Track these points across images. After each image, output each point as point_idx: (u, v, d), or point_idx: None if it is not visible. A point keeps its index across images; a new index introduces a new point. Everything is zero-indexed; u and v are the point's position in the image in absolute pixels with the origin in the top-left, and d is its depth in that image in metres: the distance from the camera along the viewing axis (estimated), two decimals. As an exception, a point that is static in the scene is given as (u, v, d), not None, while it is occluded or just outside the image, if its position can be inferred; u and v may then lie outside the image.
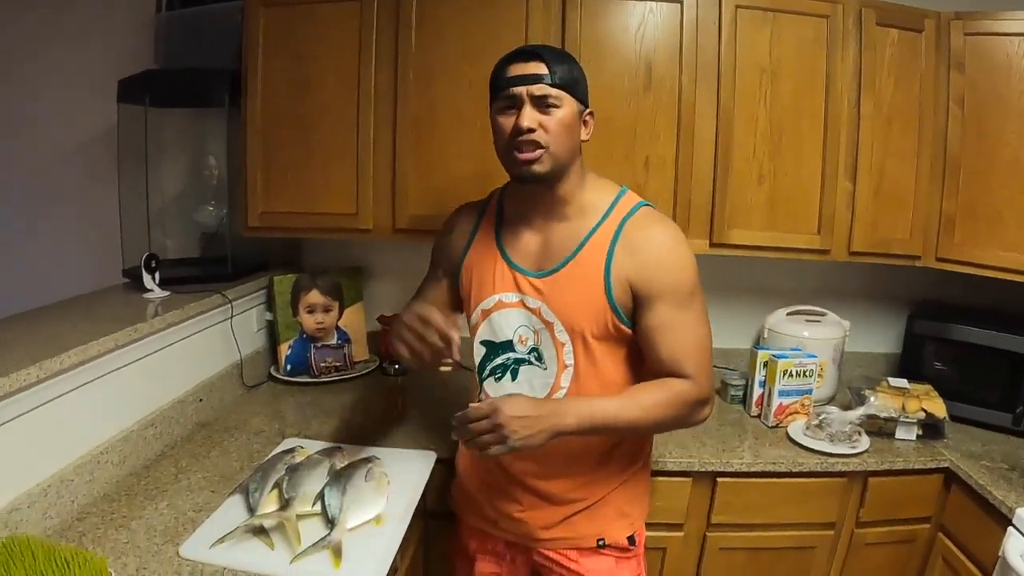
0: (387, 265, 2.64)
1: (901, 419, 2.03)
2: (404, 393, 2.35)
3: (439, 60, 2.09)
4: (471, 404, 1.27)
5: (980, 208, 2.05)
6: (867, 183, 2.12)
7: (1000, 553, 1.64)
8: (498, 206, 1.55)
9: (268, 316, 2.43)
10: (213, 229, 2.44)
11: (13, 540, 1.25)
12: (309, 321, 2.42)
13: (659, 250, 1.37)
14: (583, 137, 1.40)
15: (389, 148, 2.14)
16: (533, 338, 1.42)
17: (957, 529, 1.91)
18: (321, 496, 1.50)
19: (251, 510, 1.47)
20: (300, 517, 1.44)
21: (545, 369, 1.43)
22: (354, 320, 2.53)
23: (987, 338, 2.16)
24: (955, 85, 2.06)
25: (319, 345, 2.44)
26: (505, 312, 1.45)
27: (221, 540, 1.36)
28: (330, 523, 1.43)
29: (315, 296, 2.43)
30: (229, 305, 2.13)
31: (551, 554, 1.53)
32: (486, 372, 1.49)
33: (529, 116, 1.31)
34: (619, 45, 2.06)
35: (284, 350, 2.39)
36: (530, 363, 1.44)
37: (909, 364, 2.36)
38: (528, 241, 1.45)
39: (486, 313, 1.47)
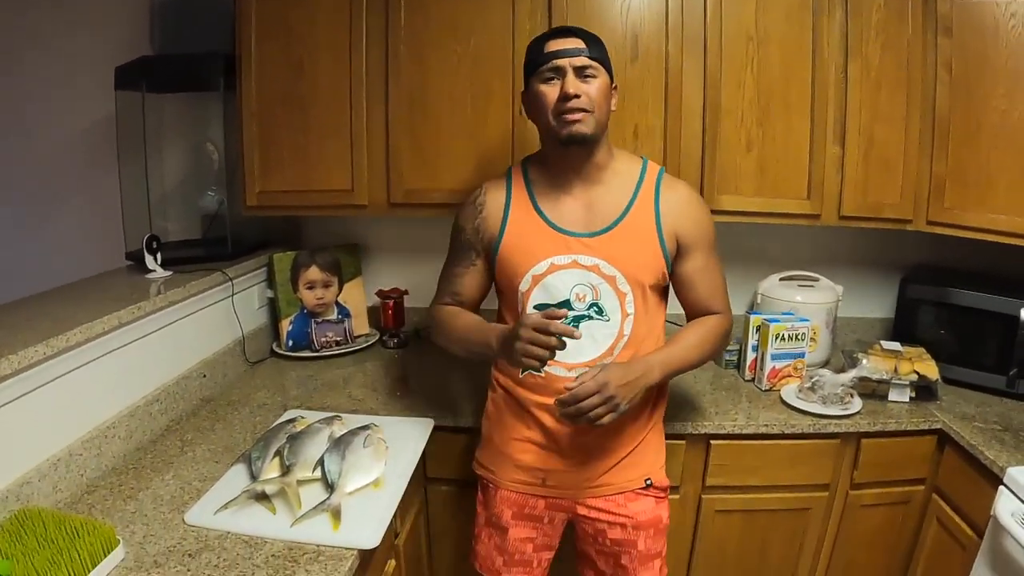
0: (384, 240, 2.68)
1: (893, 381, 2.05)
2: (403, 365, 2.39)
3: (429, 38, 2.11)
4: (566, 387, 1.39)
5: (970, 171, 2.05)
6: (856, 148, 2.13)
7: (992, 512, 1.66)
8: (524, 178, 1.61)
9: (269, 293, 2.47)
10: (214, 211, 2.48)
11: (25, 512, 1.31)
12: (309, 297, 2.47)
13: (694, 206, 1.59)
14: (612, 108, 1.53)
15: (382, 125, 2.17)
16: (591, 293, 1.51)
17: (951, 490, 1.93)
18: (321, 462, 1.55)
19: (254, 477, 1.52)
20: (301, 483, 1.49)
21: (608, 320, 1.52)
22: (353, 295, 2.58)
23: (980, 301, 2.17)
24: (943, 49, 2.06)
25: (319, 320, 2.48)
26: (560, 274, 1.51)
27: (225, 506, 1.41)
28: (330, 488, 1.48)
29: (314, 272, 2.47)
30: (230, 283, 2.18)
31: (598, 503, 1.60)
32: None
33: (574, 84, 1.43)
34: (605, 18, 2.07)
35: (285, 326, 2.44)
36: (590, 318, 1.52)
37: (903, 328, 2.37)
38: (570, 205, 1.54)
39: (537, 279, 1.53)
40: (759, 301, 2.42)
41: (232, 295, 2.21)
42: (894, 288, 2.50)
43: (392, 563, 1.60)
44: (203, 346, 2.10)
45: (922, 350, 2.13)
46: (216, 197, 2.45)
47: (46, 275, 2.06)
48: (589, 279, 1.51)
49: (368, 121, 2.16)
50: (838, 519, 2.05)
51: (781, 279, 2.41)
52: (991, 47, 1.95)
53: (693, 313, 1.66)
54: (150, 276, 2.03)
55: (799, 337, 2.14)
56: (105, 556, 1.23)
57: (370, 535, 1.36)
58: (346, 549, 1.32)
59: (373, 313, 2.64)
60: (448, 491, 2.01)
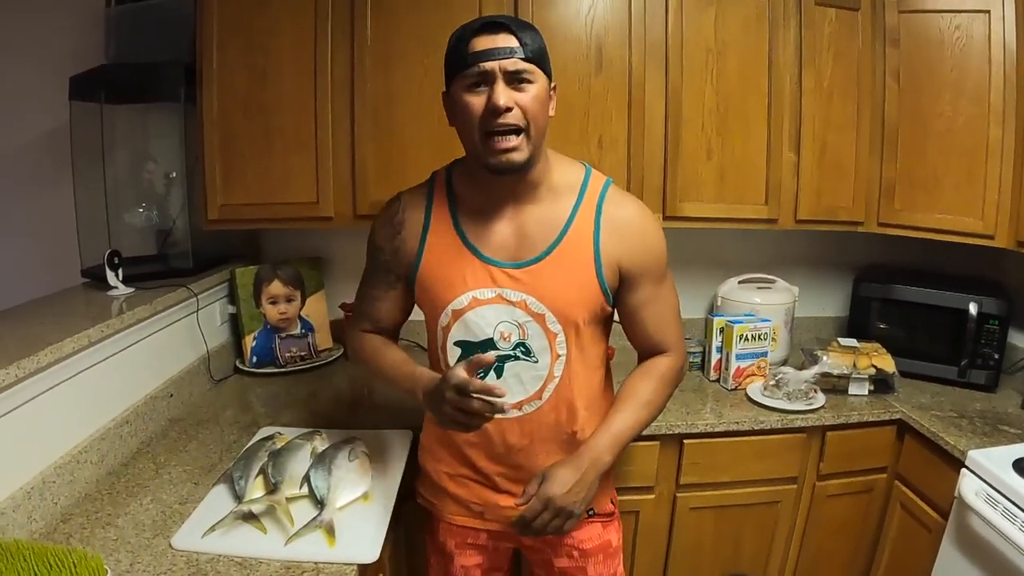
0: (347, 253, 2.64)
1: (853, 376, 2.15)
2: (370, 378, 2.37)
3: (395, 48, 2.10)
4: (517, 504, 1.30)
5: (917, 175, 2.17)
6: (810, 154, 2.23)
7: (956, 494, 1.76)
8: (448, 192, 1.41)
9: (231, 309, 2.42)
10: (167, 226, 2.41)
11: (1, 544, 1.25)
12: (272, 312, 2.42)
13: (642, 229, 1.37)
14: (550, 112, 1.31)
15: (348, 136, 2.14)
16: (517, 332, 1.34)
17: (912, 476, 2.03)
18: (307, 478, 1.53)
19: (238, 497, 1.48)
20: (289, 500, 1.46)
21: (536, 362, 1.35)
22: (317, 309, 2.54)
23: (930, 296, 2.29)
24: (891, 60, 2.18)
25: (283, 335, 2.44)
26: (481, 310, 1.34)
27: (212, 529, 1.37)
28: (319, 504, 1.46)
29: (277, 287, 2.43)
30: (195, 299, 2.12)
31: (544, 538, 1.45)
32: None
33: (505, 94, 1.20)
34: (570, 29, 2.11)
35: (249, 342, 2.39)
36: (516, 358, 1.35)
37: (857, 325, 2.48)
38: (498, 231, 1.35)
39: (458, 313, 1.35)
40: (719, 304, 2.49)
41: (197, 311, 2.15)
42: (847, 287, 2.61)
43: (381, 577, 1.59)
44: (169, 365, 2.04)
45: (878, 345, 2.23)
46: (145, 214, 2.38)
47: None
48: (515, 316, 1.33)
49: (333, 132, 2.14)
50: (807, 510, 2.13)
51: (740, 282, 2.49)
52: (936, 58, 2.07)
53: (640, 347, 1.48)
54: (112, 293, 1.96)
55: (762, 337, 2.22)
56: (95, 587, 1.18)
57: (368, 550, 1.35)
58: (345, 565, 1.30)
59: (336, 327, 2.61)
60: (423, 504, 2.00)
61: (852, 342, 2.27)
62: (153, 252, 2.44)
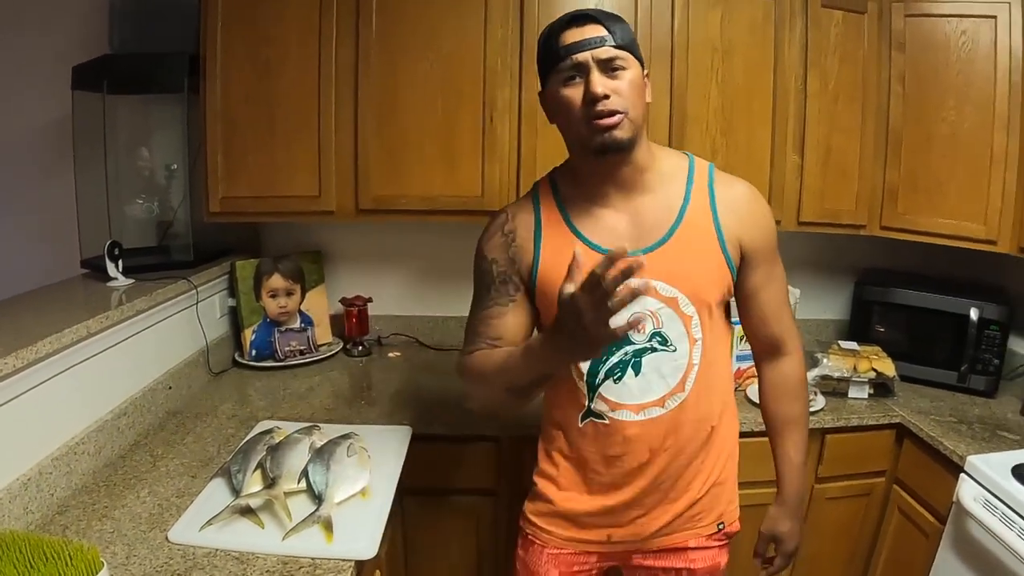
0: (348, 247, 2.65)
1: (853, 379, 2.14)
2: (369, 374, 2.37)
3: (399, 42, 2.10)
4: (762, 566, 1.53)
5: (921, 179, 2.17)
6: (814, 156, 2.23)
7: (954, 499, 1.76)
8: (554, 194, 1.38)
9: (231, 302, 2.41)
10: (167, 218, 2.40)
11: (-3, 536, 1.24)
12: (272, 305, 2.42)
13: (755, 206, 1.36)
14: (648, 99, 1.29)
15: (351, 130, 2.14)
16: (651, 322, 1.29)
17: (911, 480, 2.03)
18: (305, 473, 1.52)
19: (236, 491, 1.48)
20: (287, 494, 1.46)
21: (674, 351, 1.30)
22: (317, 303, 2.54)
23: (931, 301, 2.29)
24: (896, 64, 2.18)
25: (283, 329, 2.44)
26: None
27: (209, 522, 1.37)
28: (317, 499, 1.45)
29: (277, 280, 2.43)
30: (195, 291, 2.12)
31: (659, 554, 1.44)
32: (600, 376, 1.32)
33: (601, 82, 1.19)
34: (577, 26, 2.10)
35: (248, 335, 2.38)
36: (654, 350, 1.30)
37: (858, 329, 2.48)
38: (611, 221, 1.31)
39: None
40: (720, 304, 2.48)
41: (197, 304, 2.14)
42: (848, 290, 2.61)
43: (378, 573, 1.58)
44: (168, 357, 2.03)
45: (878, 349, 2.23)
46: (144, 206, 2.38)
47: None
48: (646, 305, 1.27)
49: (336, 126, 2.14)
50: (805, 512, 2.11)
51: (742, 283, 2.48)
52: (942, 62, 2.07)
53: (760, 336, 1.47)
54: (112, 284, 1.96)
55: (763, 339, 2.21)
56: (91, 579, 1.17)
57: (365, 546, 1.34)
58: (343, 561, 1.30)
59: (335, 321, 2.60)
60: (422, 500, 1.99)
61: (853, 345, 2.26)
62: (154, 244, 2.44)
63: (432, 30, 2.08)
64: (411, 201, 2.16)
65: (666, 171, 1.34)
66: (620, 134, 1.21)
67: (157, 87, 2.21)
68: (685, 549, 1.44)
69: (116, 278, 1.97)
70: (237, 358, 2.41)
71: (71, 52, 2.17)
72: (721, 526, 1.45)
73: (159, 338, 1.98)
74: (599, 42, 1.20)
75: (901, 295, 2.35)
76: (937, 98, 2.10)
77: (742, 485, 2.03)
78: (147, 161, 2.33)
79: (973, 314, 2.15)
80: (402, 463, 1.71)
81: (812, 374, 2.12)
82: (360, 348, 2.54)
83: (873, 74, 2.21)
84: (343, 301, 2.54)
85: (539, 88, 1.34)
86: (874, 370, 2.14)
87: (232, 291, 2.41)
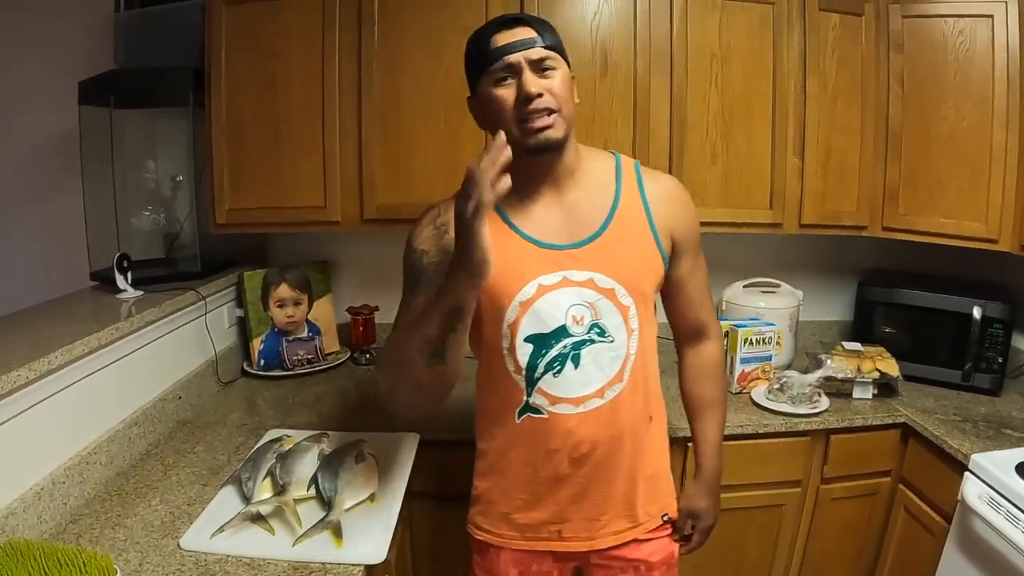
0: (354, 257, 2.67)
1: (857, 379, 2.15)
2: (376, 381, 2.38)
3: (402, 52, 2.12)
4: (675, 540, 1.53)
5: (921, 179, 2.18)
6: (815, 159, 2.24)
7: (959, 497, 1.76)
8: None
9: (239, 312, 2.44)
10: (175, 230, 2.43)
11: (11, 544, 1.26)
12: (280, 315, 2.44)
13: (683, 198, 1.43)
14: (576, 99, 1.33)
15: (355, 140, 2.16)
16: (590, 313, 1.31)
17: (916, 480, 2.03)
18: (315, 480, 1.54)
19: (246, 499, 1.50)
20: (297, 501, 1.48)
21: (612, 341, 1.32)
22: (324, 312, 2.56)
23: (934, 301, 2.30)
24: (895, 65, 2.19)
25: (291, 339, 2.46)
26: (550, 296, 1.30)
27: (220, 529, 1.39)
28: (326, 505, 1.47)
29: (284, 290, 2.45)
30: (203, 302, 2.14)
31: (613, 551, 1.45)
32: (539, 370, 1.32)
33: (534, 81, 1.22)
34: (576, 34, 2.13)
35: (256, 345, 2.40)
36: (592, 342, 1.32)
37: (861, 329, 2.49)
38: (548, 217, 1.33)
39: (526, 305, 1.30)
40: (724, 308, 2.50)
41: (205, 314, 2.17)
42: (850, 291, 2.62)
43: (387, 578, 1.60)
44: (178, 367, 2.05)
45: (882, 349, 2.23)
46: (151, 217, 2.40)
47: (0, 297, 2.00)
48: (584, 296, 1.30)
49: (341, 137, 2.16)
50: (810, 513, 2.13)
51: (744, 286, 2.50)
52: (940, 62, 2.08)
53: (682, 323, 1.53)
54: (121, 296, 1.98)
55: (766, 341, 2.22)
56: (104, 586, 1.19)
57: (374, 550, 1.36)
58: (353, 566, 1.31)
59: (343, 330, 2.62)
60: (430, 505, 2.01)
61: (856, 346, 2.27)
62: (161, 255, 2.47)
63: (433, 41, 2.11)
64: (415, 210, 2.15)
65: (594, 168, 1.38)
66: (554, 133, 1.25)
67: (162, 101, 2.24)
68: (638, 542, 1.46)
69: (125, 290, 1.99)
70: (246, 368, 2.43)
71: (77, 67, 2.20)
72: (666, 517, 1.49)
73: (169, 349, 2.00)
74: (530, 43, 1.23)
75: (904, 295, 2.36)
76: (936, 98, 2.11)
77: (746, 487, 2.06)
78: (154, 174, 2.36)
79: (976, 313, 2.16)
80: (410, 469, 1.72)
81: (816, 375, 2.13)
82: (367, 356, 2.55)
83: (872, 75, 2.22)
84: (350, 310, 2.56)
85: (468, 95, 1.36)
86: (878, 370, 2.14)
87: (240, 301, 2.43)
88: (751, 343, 2.20)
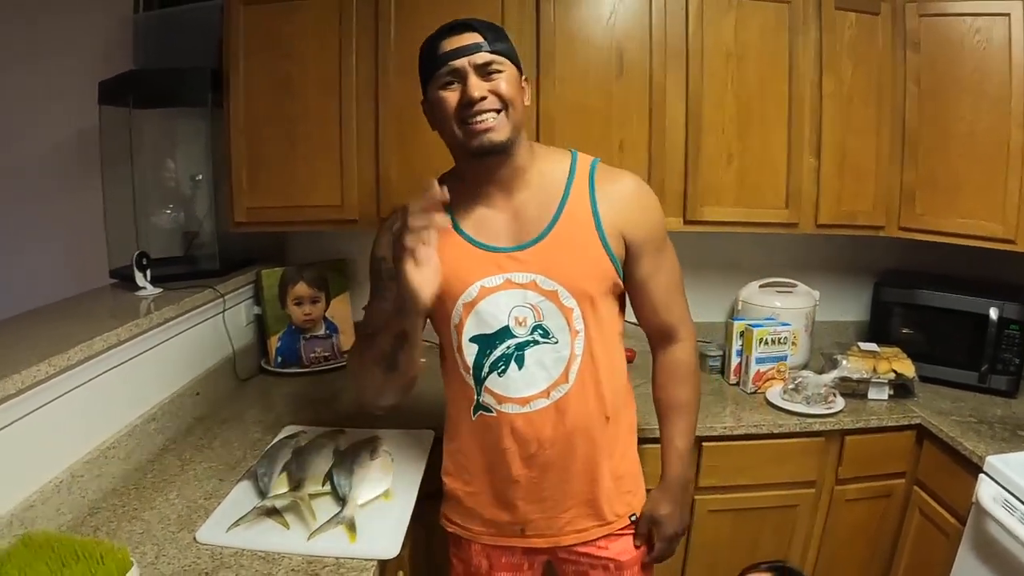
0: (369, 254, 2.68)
1: (873, 380, 2.14)
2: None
3: (418, 52, 2.13)
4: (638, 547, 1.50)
5: (939, 179, 2.16)
6: (831, 159, 2.23)
7: (973, 500, 1.75)
8: None
9: (256, 310, 2.46)
10: (194, 228, 2.46)
11: (30, 536, 1.28)
12: (297, 313, 2.46)
13: (637, 197, 1.39)
14: (526, 102, 1.35)
15: (372, 140, 2.17)
16: (532, 315, 1.34)
17: (931, 481, 2.02)
18: (330, 475, 1.56)
19: (262, 493, 1.51)
20: (312, 496, 1.49)
21: (556, 342, 1.35)
22: (341, 310, 2.58)
23: (951, 301, 2.28)
24: (911, 64, 2.18)
25: (308, 336, 2.48)
26: (492, 298, 1.34)
27: (236, 523, 1.40)
28: (341, 501, 1.48)
29: (302, 288, 2.47)
30: (221, 300, 2.17)
31: (579, 547, 1.48)
32: (485, 369, 1.37)
33: (477, 85, 1.25)
34: (592, 34, 2.13)
35: (274, 342, 2.43)
36: (536, 343, 1.34)
37: (877, 330, 2.48)
38: (495, 220, 1.36)
39: (469, 307, 1.35)
40: (740, 308, 2.50)
41: (224, 312, 2.19)
42: (867, 291, 2.61)
43: (400, 573, 1.60)
44: (196, 364, 2.08)
45: (898, 350, 2.22)
46: (172, 216, 2.43)
47: (22, 294, 2.04)
48: (527, 298, 1.33)
49: (358, 136, 2.17)
50: (824, 514, 2.12)
51: (761, 286, 2.50)
52: (957, 61, 2.07)
53: (651, 325, 1.50)
54: (140, 293, 2.01)
55: (781, 341, 2.22)
56: (121, 578, 1.21)
57: (388, 545, 1.37)
58: (366, 560, 1.33)
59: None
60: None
61: (872, 346, 2.26)
62: (180, 254, 2.50)
63: (449, 42, 2.12)
64: (431, 208, 2.19)
65: (547, 170, 1.38)
66: (496, 136, 1.26)
67: (181, 101, 2.27)
68: (607, 540, 1.48)
69: (144, 287, 2.02)
70: (263, 365, 2.46)
71: (97, 68, 2.22)
72: (633, 518, 1.49)
73: (187, 346, 2.03)
74: (475, 48, 1.26)
75: (920, 296, 2.35)
76: (953, 97, 2.10)
77: (760, 487, 2.05)
78: (173, 173, 2.39)
79: (993, 314, 2.14)
80: (424, 466, 1.73)
81: (831, 376, 2.12)
82: (382, 354, 2.57)
83: (888, 75, 2.21)
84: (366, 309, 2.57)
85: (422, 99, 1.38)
86: (894, 371, 2.13)
87: (258, 299, 2.46)
88: (766, 343, 2.20)
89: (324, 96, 2.15)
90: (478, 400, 1.39)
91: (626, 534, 1.49)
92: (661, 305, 1.46)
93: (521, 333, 1.35)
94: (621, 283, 1.41)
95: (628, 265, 1.40)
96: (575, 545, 1.47)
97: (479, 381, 1.38)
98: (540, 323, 1.34)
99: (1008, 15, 1.97)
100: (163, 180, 2.42)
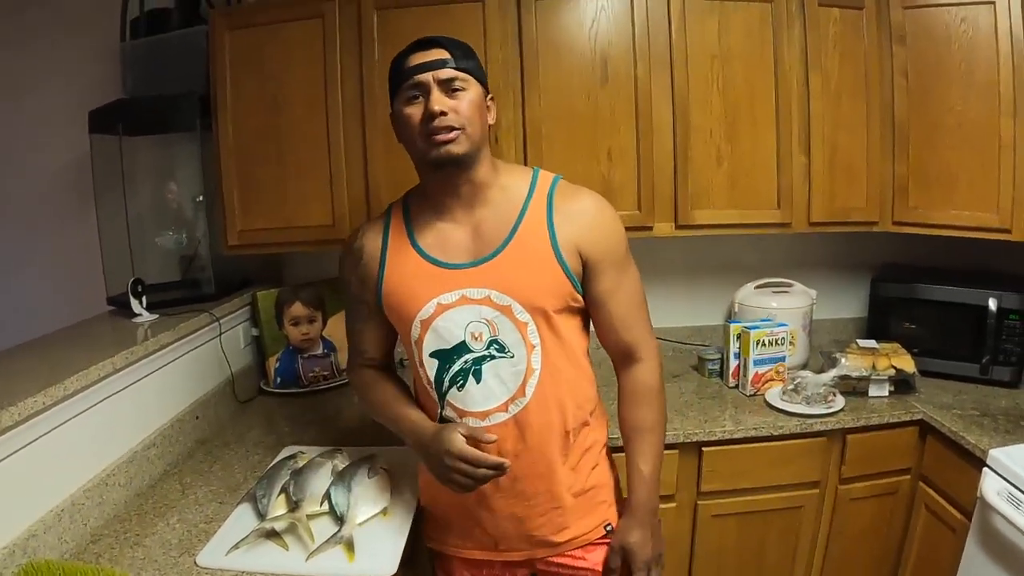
0: (367, 273, 2.69)
1: (873, 377, 2.13)
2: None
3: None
4: None
5: (931, 172, 2.15)
6: (821, 156, 2.22)
7: (978, 494, 1.73)
8: (404, 213, 1.47)
9: (254, 332, 2.47)
10: (190, 252, 2.47)
11: (32, 565, 1.29)
12: (294, 333, 2.47)
13: (596, 215, 1.40)
14: (490, 121, 1.39)
15: (360, 159, 2.18)
16: (488, 330, 1.35)
17: (936, 477, 2.01)
18: (328, 495, 1.55)
19: (261, 516, 1.52)
20: (310, 517, 1.49)
21: (512, 356, 1.36)
22: (338, 329, 2.56)
23: (949, 294, 2.27)
24: (898, 57, 2.17)
25: (306, 356, 2.48)
26: (448, 314, 1.36)
27: (236, 546, 1.40)
28: (339, 520, 1.48)
29: (298, 308, 2.48)
30: (217, 323, 2.17)
31: (556, 559, 1.47)
32: (445, 384, 1.39)
33: (440, 100, 1.29)
34: (575, 42, 2.14)
35: (273, 363, 2.44)
36: (492, 357, 1.36)
37: (876, 326, 2.46)
38: (454, 237, 1.39)
39: (426, 323, 1.37)
40: (736, 310, 2.49)
41: (220, 335, 2.20)
42: (864, 288, 2.60)
43: (400, 591, 1.61)
44: (194, 388, 2.08)
45: (897, 345, 2.21)
46: (175, 237, 2.44)
47: (19, 325, 2.07)
48: (482, 314, 1.35)
49: (346, 155, 2.18)
50: (830, 514, 2.11)
51: (756, 287, 2.49)
52: (944, 52, 2.06)
53: (612, 345, 1.48)
54: (137, 320, 2.02)
55: (779, 342, 2.21)
56: (124, 604, 1.22)
57: (386, 564, 1.37)
58: (364, 579, 1.33)
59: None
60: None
61: (871, 343, 2.25)
62: (176, 278, 2.50)
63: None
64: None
65: (508, 186, 1.41)
66: (455, 149, 1.30)
67: (170, 127, 2.28)
68: (584, 550, 1.47)
69: (141, 314, 2.03)
70: (262, 386, 2.46)
71: (86, 97, 2.26)
72: (609, 527, 1.48)
73: (185, 370, 2.03)
74: (440, 64, 1.30)
75: (918, 290, 2.34)
76: (942, 89, 2.09)
77: (763, 490, 2.04)
78: (166, 198, 2.40)
79: (992, 304, 2.13)
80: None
81: (830, 375, 2.11)
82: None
83: (875, 69, 2.20)
84: (363, 325, 2.58)
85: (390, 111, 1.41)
86: (893, 367, 2.12)
87: (255, 321, 2.46)
88: (764, 344, 2.19)
89: (311, 115, 2.16)
90: (441, 414, 1.42)
91: (604, 543, 1.48)
92: (620, 324, 1.44)
93: (477, 348, 1.36)
94: (581, 299, 1.41)
95: (587, 282, 1.41)
96: (551, 557, 1.47)
97: (441, 395, 1.40)
98: (495, 338, 1.36)
99: (993, 3, 1.96)
100: (157, 206, 2.43)
